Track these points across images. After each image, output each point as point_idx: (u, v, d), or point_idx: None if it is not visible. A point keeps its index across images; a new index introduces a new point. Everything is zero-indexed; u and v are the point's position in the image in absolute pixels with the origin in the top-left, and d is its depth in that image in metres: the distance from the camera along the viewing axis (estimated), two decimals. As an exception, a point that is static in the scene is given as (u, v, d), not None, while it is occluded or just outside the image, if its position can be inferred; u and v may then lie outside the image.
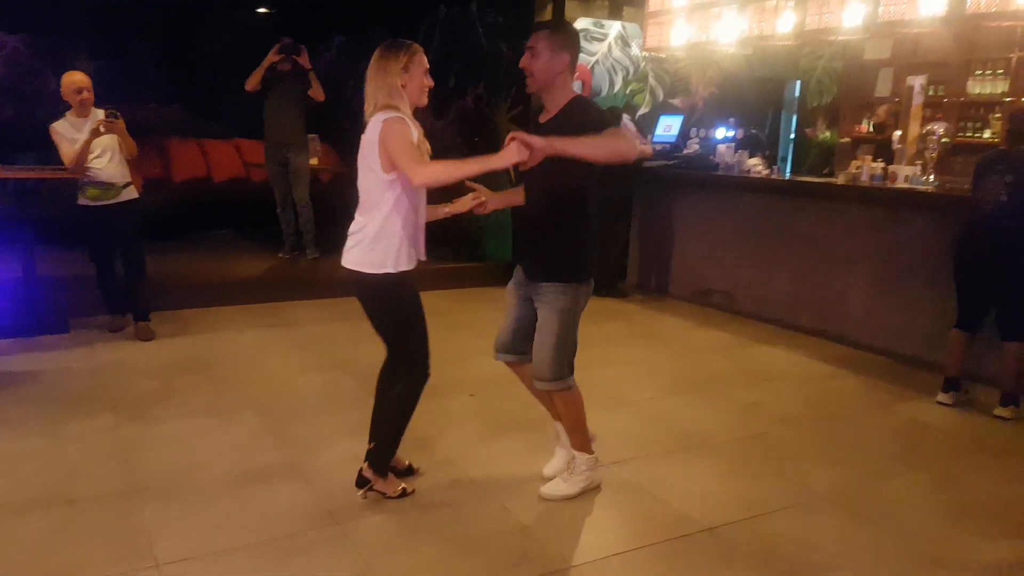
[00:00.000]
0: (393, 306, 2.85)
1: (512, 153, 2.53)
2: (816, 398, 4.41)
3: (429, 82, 2.79)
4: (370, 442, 3.08)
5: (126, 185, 4.87)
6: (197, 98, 8.66)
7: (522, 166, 2.59)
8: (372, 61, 2.74)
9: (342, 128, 7.99)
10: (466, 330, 3.30)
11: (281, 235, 6.99)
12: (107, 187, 4.77)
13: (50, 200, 5.16)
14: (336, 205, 7.29)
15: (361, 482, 2.97)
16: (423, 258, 2.91)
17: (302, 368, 4.60)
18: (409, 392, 2.93)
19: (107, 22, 7.77)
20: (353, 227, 2.83)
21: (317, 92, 6.64)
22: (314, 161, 7.24)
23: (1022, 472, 3.54)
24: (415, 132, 2.71)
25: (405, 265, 2.80)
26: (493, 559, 2.64)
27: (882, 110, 7.57)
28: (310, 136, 6.98)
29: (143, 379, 4.29)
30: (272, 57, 6.49)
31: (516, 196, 3.01)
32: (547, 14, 6.77)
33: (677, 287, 6.86)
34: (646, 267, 7.19)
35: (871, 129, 7.68)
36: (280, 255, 6.95)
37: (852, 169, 5.91)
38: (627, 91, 7.21)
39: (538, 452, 3.47)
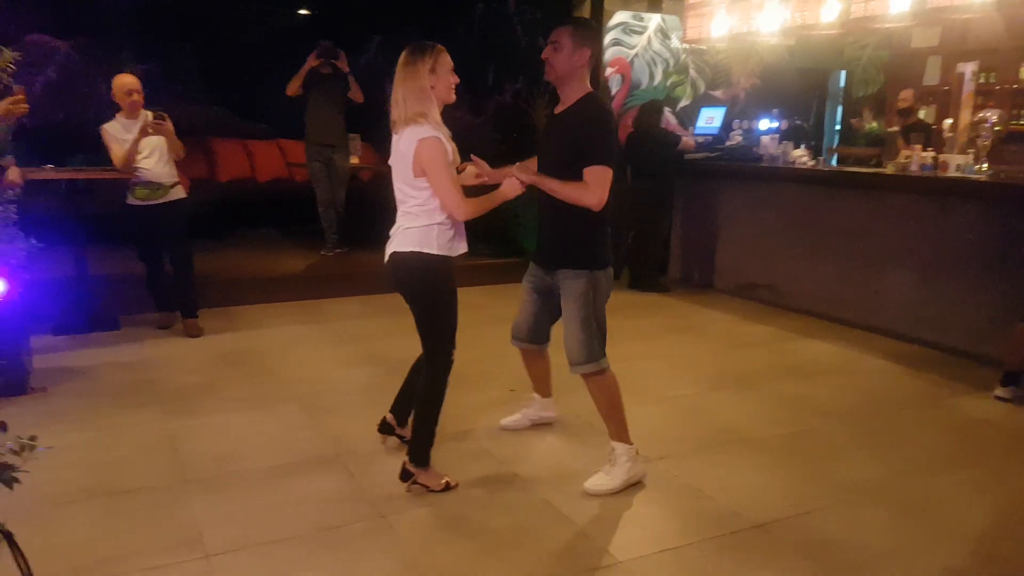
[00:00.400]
0: (428, 288, 2.90)
1: (515, 187, 2.88)
2: (863, 392, 4.31)
3: (455, 79, 2.87)
4: (390, 411, 3.31)
5: (173, 185, 4.97)
6: (240, 99, 8.79)
7: (523, 180, 2.90)
8: (399, 66, 2.82)
9: (381, 126, 8.01)
10: (505, 324, 3.30)
11: (323, 233, 7.07)
12: (155, 187, 4.88)
13: (100, 200, 5.27)
14: (376, 202, 7.35)
15: (405, 475, 2.99)
16: (464, 249, 2.96)
17: (343, 362, 4.65)
18: (434, 380, 2.95)
19: (152, 26, 7.92)
20: (394, 229, 2.95)
21: (356, 94, 6.74)
22: (355, 160, 7.31)
23: (1084, 469, 3.42)
24: (449, 148, 2.81)
25: (444, 250, 2.86)
26: (539, 553, 2.63)
27: (908, 93, 7.41)
28: (351, 136, 7.05)
29: (190, 373, 4.38)
30: (311, 62, 6.61)
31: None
32: (585, 8, 6.73)
33: (721, 280, 6.77)
34: (689, 261, 7.11)
35: (897, 114, 7.52)
36: (323, 252, 7.03)
37: (901, 159, 5.76)
38: (667, 83, 7.13)
39: (579, 445, 3.46)
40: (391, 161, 2.91)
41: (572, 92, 2.98)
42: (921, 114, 8.04)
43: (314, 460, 3.30)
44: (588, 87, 3.01)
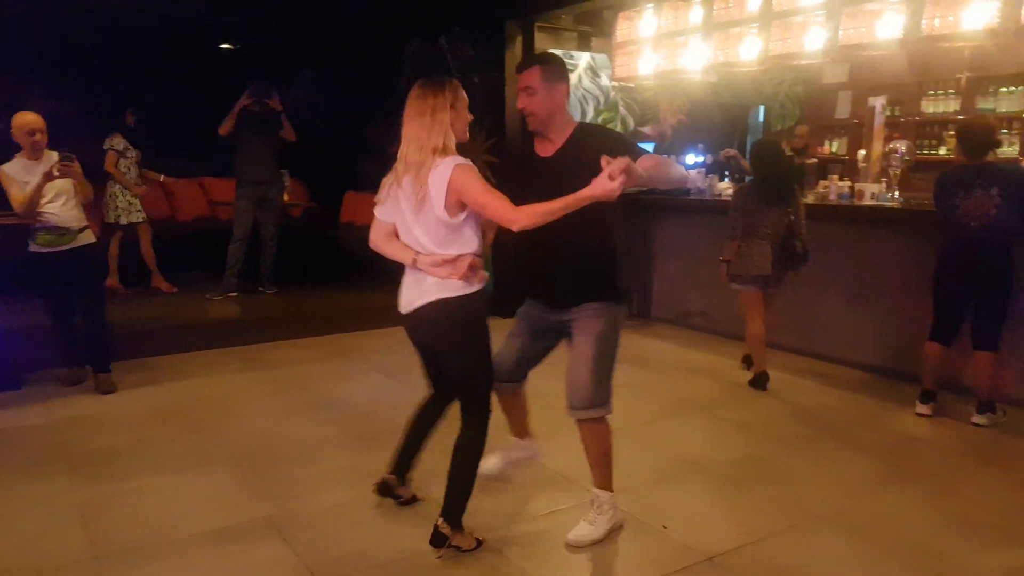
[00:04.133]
0: (471, 331, 2.69)
1: (603, 185, 2.47)
2: (802, 415, 4.42)
3: (470, 116, 2.70)
4: (391, 472, 3.02)
5: (82, 229, 4.64)
6: (162, 137, 8.42)
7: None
8: (414, 100, 2.61)
9: (310, 161, 7.81)
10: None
11: (247, 273, 6.77)
12: (61, 232, 4.55)
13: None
14: (309, 241, 7.12)
15: (438, 540, 2.72)
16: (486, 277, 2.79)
17: (281, 412, 4.38)
18: (477, 431, 2.72)
19: (67, 61, 7.56)
20: (414, 279, 2.70)
21: (289, 133, 6.69)
22: (285, 196, 7.14)
23: (1012, 479, 3.58)
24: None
25: (478, 285, 2.69)
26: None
27: (802, 130, 7.72)
28: (281, 171, 6.89)
29: (106, 434, 4.04)
30: (244, 101, 6.49)
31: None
32: (516, 46, 6.75)
33: (658, 309, 6.87)
34: (626, 291, 7.16)
35: (790, 152, 7.78)
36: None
37: (820, 188, 5.98)
38: (599, 120, 7.21)
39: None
40: (399, 209, 2.65)
41: (560, 130, 2.81)
42: (834, 147, 8.39)
43: (247, 525, 3.06)
44: (573, 120, 2.85)
